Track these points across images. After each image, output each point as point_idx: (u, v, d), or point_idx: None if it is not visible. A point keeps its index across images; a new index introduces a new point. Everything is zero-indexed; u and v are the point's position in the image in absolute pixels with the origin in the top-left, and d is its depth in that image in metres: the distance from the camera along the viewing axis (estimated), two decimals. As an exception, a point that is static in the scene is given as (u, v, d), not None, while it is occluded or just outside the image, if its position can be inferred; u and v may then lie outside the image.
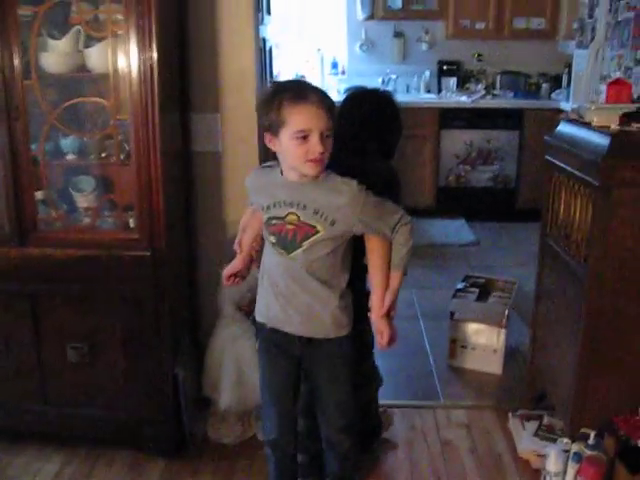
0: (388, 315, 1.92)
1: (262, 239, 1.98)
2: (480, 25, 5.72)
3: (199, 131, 2.75)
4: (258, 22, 2.83)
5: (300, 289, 1.87)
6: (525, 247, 5.22)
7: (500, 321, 3.15)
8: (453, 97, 5.81)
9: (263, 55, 3.21)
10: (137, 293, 2.41)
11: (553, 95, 5.75)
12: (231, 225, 2.86)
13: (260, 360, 2.08)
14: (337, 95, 5.94)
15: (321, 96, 1.73)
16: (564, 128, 2.46)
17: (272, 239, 1.87)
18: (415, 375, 3.25)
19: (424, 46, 6.07)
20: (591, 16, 4.34)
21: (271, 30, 3.82)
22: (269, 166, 1.93)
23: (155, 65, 2.24)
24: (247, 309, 2.61)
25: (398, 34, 6.08)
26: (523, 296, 3.47)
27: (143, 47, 2.23)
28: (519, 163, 5.74)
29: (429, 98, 5.90)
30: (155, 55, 2.23)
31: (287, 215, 1.82)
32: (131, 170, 2.35)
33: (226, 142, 2.78)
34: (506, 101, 5.73)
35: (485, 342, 3.22)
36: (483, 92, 5.71)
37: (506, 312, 3.16)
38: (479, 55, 6.10)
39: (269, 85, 1.82)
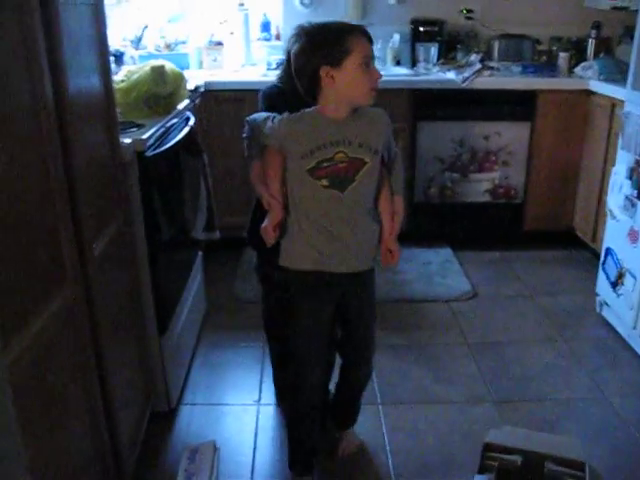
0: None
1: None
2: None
3: None
4: None
5: (353, 226, 1.92)
6: (548, 298, 3.54)
7: None
8: (435, 73, 4.02)
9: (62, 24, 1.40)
10: None
11: (577, 70, 3.98)
12: None
13: (299, 310, 2.03)
14: (268, 68, 4.10)
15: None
16: None
17: (324, 182, 1.86)
18: None
19: (392, -2, 4.27)
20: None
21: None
22: (292, 115, 1.88)
23: None
24: None
25: (355, -19, 4.25)
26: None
27: None
28: (529, 168, 4.01)
29: (399, 74, 4.03)
30: None
31: (335, 154, 1.85)
32: None
33: None
34: (512, 79, 3.92)
35: None
36: (479, 66, 3.92)
37: None
38: (468, 11, 4.33)
39: (305, 28, 1.77)
